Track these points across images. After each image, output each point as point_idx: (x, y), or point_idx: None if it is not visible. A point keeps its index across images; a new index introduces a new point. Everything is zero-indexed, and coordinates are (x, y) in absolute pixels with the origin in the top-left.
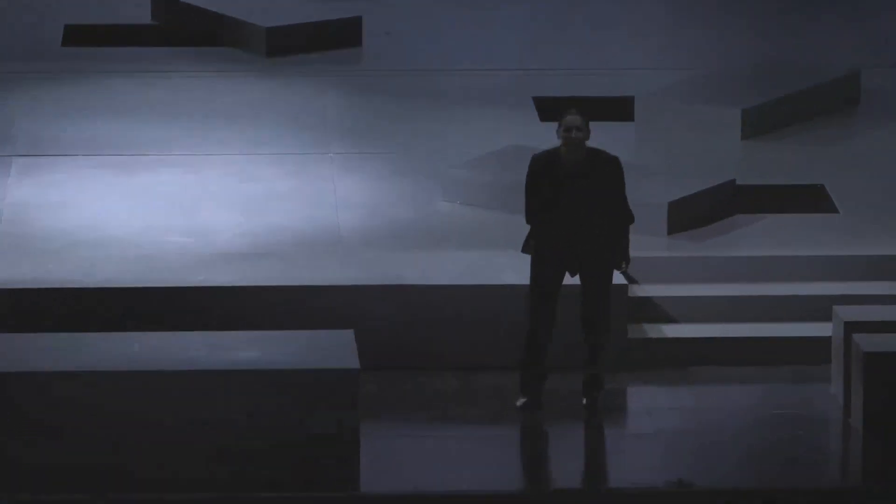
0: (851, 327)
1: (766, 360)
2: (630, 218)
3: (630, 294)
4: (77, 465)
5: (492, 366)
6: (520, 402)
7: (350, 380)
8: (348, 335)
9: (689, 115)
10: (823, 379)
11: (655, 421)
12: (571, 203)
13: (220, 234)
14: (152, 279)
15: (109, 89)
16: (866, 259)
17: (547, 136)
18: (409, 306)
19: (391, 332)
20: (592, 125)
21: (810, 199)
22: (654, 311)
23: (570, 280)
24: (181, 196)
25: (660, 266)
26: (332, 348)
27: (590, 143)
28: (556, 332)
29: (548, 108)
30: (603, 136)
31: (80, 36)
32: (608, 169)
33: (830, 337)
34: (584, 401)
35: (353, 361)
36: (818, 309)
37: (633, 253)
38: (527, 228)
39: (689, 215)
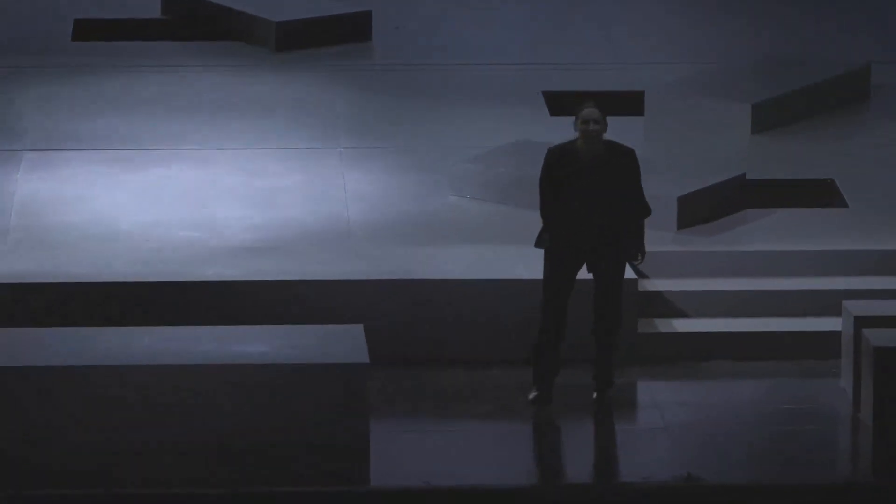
0: (861, 322)
1: (776, 355)
2: (647, 210)
3: (640, 289)
4: (86, 460)
5: (500, 360)
6: (532, 395)
7: (360, 375)
8: (358, 330)
9: (699, 109)
10: (833, 374)
11: (664, 415)
12: (587, 195)
13: (230, 229)
14: (162, 273)
15: (119, 84)
16: (876, 254)
17: (556, 131)
18: (418, 301)
19: (400, 327)
20: None
21: (820, 193)
22: (664, 305)
23: (582, 274)
24: (191, 190)
25: (669, 261)
26: (342, 343)
27: (606, 135)
28: (567, 326)
29: (557, 103)
30: (612, 131)
31: (90, 30)
32: (624, 161)
33: (840, 332)
34: (595, 395)
35: (362, 356)
36: (828, 304)
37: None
38: (539, 222)
39: (698, 210)
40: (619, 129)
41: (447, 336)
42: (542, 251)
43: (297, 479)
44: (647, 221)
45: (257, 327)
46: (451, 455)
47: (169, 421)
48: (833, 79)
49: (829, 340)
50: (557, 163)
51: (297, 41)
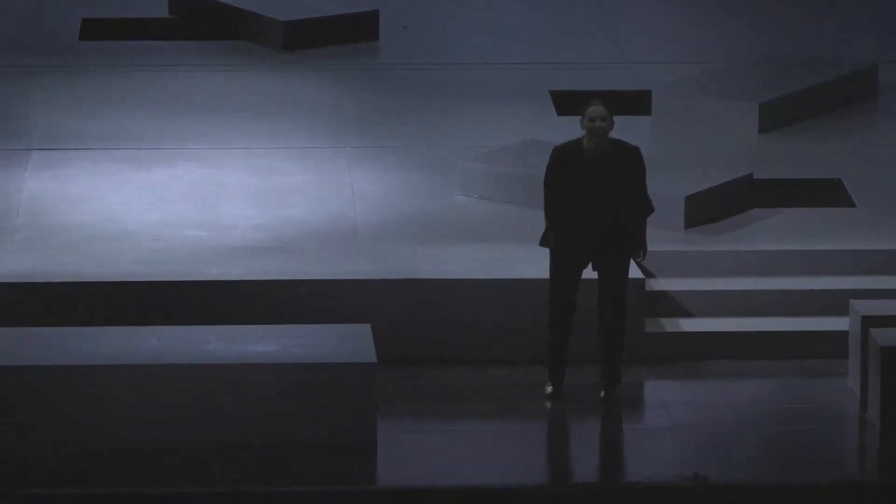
0: (868, 322)
1: (783, 355)
2: (650, 208)
3: (646, 288)
4: (92, 459)
5: (504, 360)
6: (549, 390)
7: (367, 374)
8: (365, 330)
9: (706, 109)
10: (840, 373)
11: (671, 414)
12: (592, 193)
13: (237, 228)
14: (169, 273)
15: (126, 83)
16: (883, 253)
17: (563, 131)
18: (424, 300)
19: (405, 326)
20: None
21: (828, 193)
22: (671, 305)
23: (589, 273)
24: (197, 190)
25: (676, 260)
26: (350, 342)
27: (612, 133)
28: (573, 323)
29: (565, 103)
30: (620, 131)
31: (98, 30)
32: (630, 159)
33: (847, 331)
34: (602, 394)
35: (370, 356)
36: (835, 303)
37: (649, 247)
38: (543, 221)
39: (705, 209)
40: (626, 129)
41: (451, 335)
42: (546, 250)
43: (304, 478)
44: (653, 220)
45: (264, 327)
46: (455, 454)
47: (175, 420)
48: (840, 78)
49: (836, 340)
50: (562, 161)
51: (304, 40)
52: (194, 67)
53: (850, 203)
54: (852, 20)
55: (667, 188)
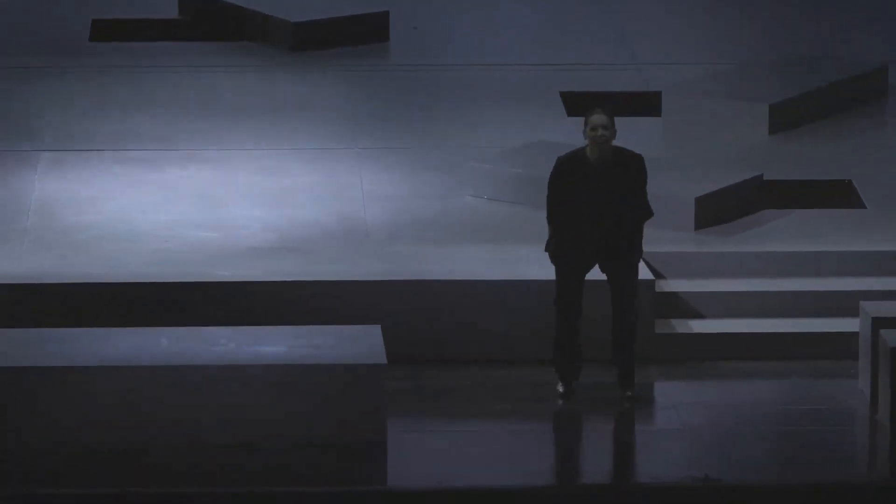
0: (879, 323)
1: (793, 356)
2: (649, 213)
3: (656, 289)
4: (102, 460)
5: (515, 360)
6: (560, 388)
7: (377, 375)
8: (375, 330)
9: (716, 110)
10: (850, 375)
11: (682, 416)
12: (595, 200)
13: (247, 229)
14: (179, 273)
15: (136, 84)
16: (894, 255)
17: (573, 132)
18: (434, 301)
19: (415, 327)
20: (619, 121)
21: (838, 194)
22: (681, 306)
23: (598, 275)
24: (207, 191)
25: (687, 261)
26: (360, 343)
27: (615, 141)
28: (581, 326)
29: (574, 104)
30: (629, 132)
31: (108, 31)
32: (633, 167)
33: (858, 333)
34: (626, 393)
35: (380, 357)
36: (845, 304)
37: (660, 248)
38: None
39: (716, 210)
40: (635, 130)
41: (460, 336)
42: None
43: (313, 479)
44: (664, 222)
45: (273, 328)
46: (463, 455)
47: (184, 421)
48: (850, 79)
49: (846, 341)
50: (567, 171)
51: (313, 41)
52: (204, 68)
53: (860, 204)
54: (862, 21)
55: (677, 189)
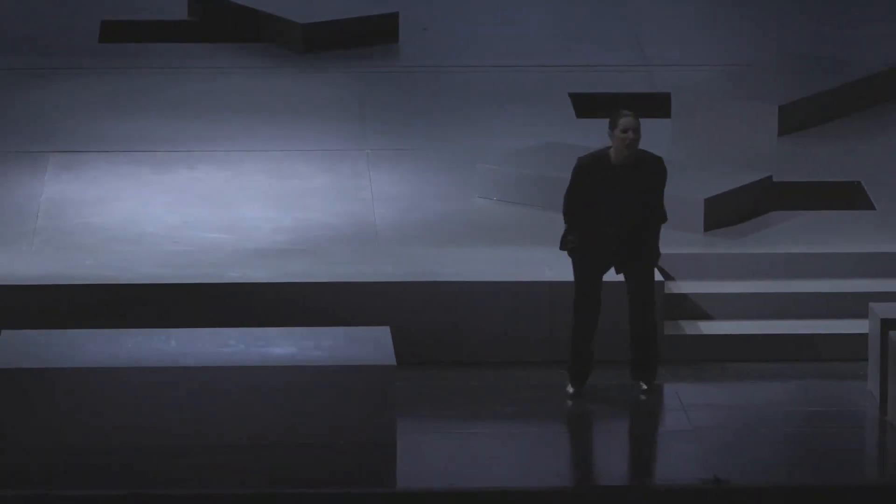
0: (888, 324)
1: (803, 357)
2: (664, 217)
3: (666, 291)
4: (111, 461)
5: (526, 362)
6: (570, 389)
7: (387, 376)
8: (385, 332)
9: (726, 111)
10: (859, 376)
11: (691, 417)
12: (616, 201)
13: (257, 230)
14: (188, 275)
15: (146, 85)
16: None
17: (582, 133)
18: (445, 302)
19: (425, 328)
20: None
21: (847, 195)
22: (691, 307)
23: (614, 277)
24: (217, 192)
25: (696, 262)
26: (369, 345)
27: None
28: (598, 326)
29: (584, 105)
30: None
31: (117, 32)
32: (654, 169)
33: (867, 334)
34: (645, 387)
35: (389, 358)
36: (854, 306)
37: (669, 249)
38: (562, 224)
39: (725, 212)
40: (645, 132)
41: (471, 337)
42: (566, 254)
43: (323, 481)
44: (673, 223)
45: (283, 329)
46: (475, 457)
47: (193, 422)
48: (860, 80)
49: (855, 342)
50: (588, 172)
51: (323, 43)
52: (213, 70)
53: (869, 205)
54: (871, 22)
55: (686, 190)
